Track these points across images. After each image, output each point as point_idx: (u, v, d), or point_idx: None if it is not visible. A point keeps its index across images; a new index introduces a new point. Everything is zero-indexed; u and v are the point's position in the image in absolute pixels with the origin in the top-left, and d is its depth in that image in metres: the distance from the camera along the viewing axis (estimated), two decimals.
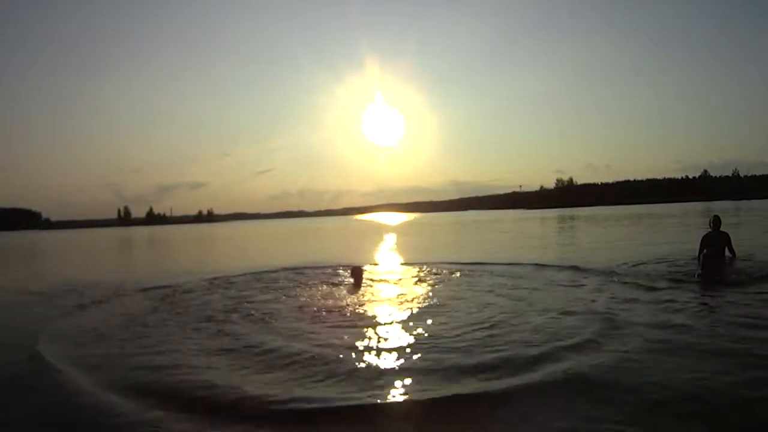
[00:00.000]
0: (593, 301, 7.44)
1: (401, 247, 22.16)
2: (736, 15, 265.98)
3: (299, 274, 12.60)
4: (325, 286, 10.49)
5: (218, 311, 8.14)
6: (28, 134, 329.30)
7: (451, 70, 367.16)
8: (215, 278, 12.35)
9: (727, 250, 9.58)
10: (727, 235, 9.70)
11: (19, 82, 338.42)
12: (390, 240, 27.65)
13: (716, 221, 9.70)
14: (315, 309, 7.97)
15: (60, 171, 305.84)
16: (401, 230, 41.53)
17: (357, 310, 7.79)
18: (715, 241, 9.45)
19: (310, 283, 11.02)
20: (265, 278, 11.99)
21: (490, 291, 8.88)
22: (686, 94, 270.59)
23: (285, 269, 13.39)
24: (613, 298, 7.56)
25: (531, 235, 27.33)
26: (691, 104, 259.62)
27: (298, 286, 10.56)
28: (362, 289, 9.97)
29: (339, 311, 7.75)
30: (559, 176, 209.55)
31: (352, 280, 10.68)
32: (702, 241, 9.49)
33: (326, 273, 12.57)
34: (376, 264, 14.52)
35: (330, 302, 8.55)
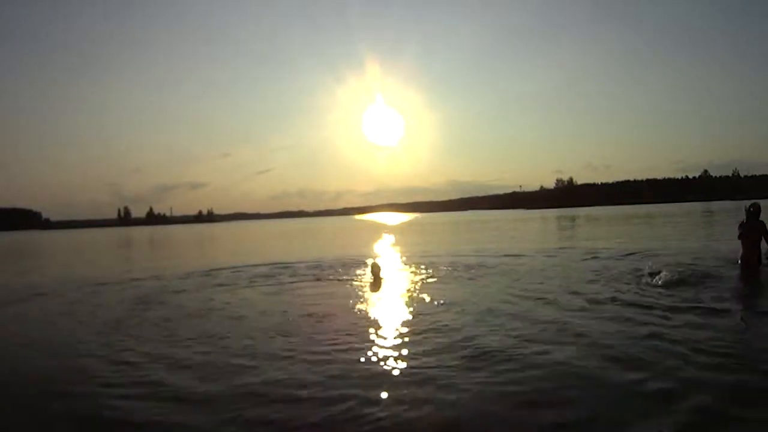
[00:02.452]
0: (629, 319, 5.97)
1: (409, 246, 22.04)
2: (736, 15, 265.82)
3: (308, 269, 12.28)
4: (341, 286, 9.84)
5: (194, 317, 7.34)
6: (28, 134, 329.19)
7: (451, 70, 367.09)
8: (208, 272, 12.36)
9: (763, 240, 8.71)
10: (764, 224, 8.79)
11: (20, 82, 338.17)
12: (394, 239, 27.51)
13: (757, 209, 8.64)
14: (325, 316, 6.93)
15: (60, 171, 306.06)
16: (403, 230, 41.39)
17: (368, 321, 6.58)
18: (754, 229, 8.63)
19: (319, 280, 10.57)
20: (262, 274, 11.66)
21: (506, 291, 8.37)
22: (686, 94, 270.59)
23: (294, 263, 13.05)
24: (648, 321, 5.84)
25: (542, 232, 27.22)
26: (691, 104, 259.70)
27: (303, 283, 10.12)
28: (380, 289, 9.27)
29: (351, 319, 6.69)
30: (559, 176, 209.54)
31: (370, 276, 10.23)
32: (740, 228, 8.72)
33: (339, 269, 12.22)
34: (376, 257, 14.40)
35: (341, 307, 7.56)
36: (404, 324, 6.28)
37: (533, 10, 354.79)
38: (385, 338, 5.65)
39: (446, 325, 6.04)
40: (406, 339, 5.55)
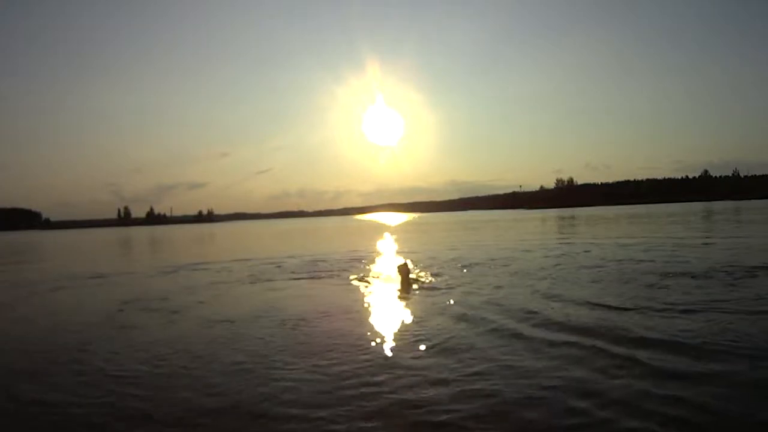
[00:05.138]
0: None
1: (411, 244, 21.91)
2: (735, 15, 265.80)
3: (302, 267, 12.04)
4: (340, 286, 9.43)
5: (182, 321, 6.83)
6: (28, 134, 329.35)
7: (451, 70, 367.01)
8: (199, 269, 12.20)
9: None
10: None
11: (20, 82, 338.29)
12: (396, 238, 27.40)
13: None
14: (316, 325, 6.12)
15: (60, 171, 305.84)
16: (403, 229, 41.26)
17: (365, 334, 5.60)
18: None
19: (313, 279, 10.29)
20: (260, 269, 11.45)
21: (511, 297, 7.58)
22: (686, 94, 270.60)
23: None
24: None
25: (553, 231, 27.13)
26: (691, 104, 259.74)
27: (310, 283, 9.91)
28: (410, 291, 8.43)
29: (346, 328, 5.89)
30: (559, 176, 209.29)
31: (397, 277, 9.49)
32: None
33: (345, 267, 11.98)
34: (374, 254, 14.29)
35: (337, 310, 6.91)
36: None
37: (533, 10, 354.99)
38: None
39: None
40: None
